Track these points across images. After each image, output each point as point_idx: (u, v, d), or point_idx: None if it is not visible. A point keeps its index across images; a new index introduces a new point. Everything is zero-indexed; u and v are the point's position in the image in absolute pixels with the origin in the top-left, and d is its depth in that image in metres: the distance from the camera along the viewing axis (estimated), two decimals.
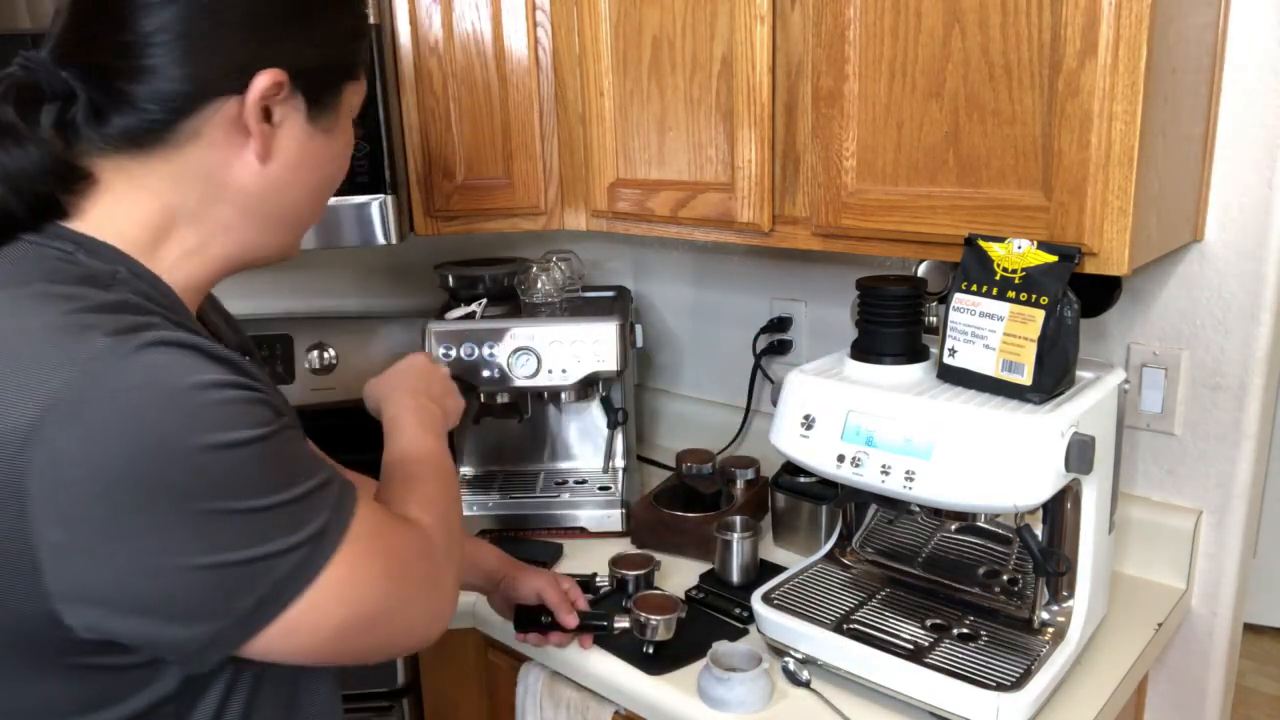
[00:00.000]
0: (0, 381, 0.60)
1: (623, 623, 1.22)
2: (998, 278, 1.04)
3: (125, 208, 0.71)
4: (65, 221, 0.70)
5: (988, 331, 1.05)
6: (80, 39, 0.69)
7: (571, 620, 1.23)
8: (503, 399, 1.59)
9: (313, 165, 0.78)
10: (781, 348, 1.77)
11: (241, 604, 0.64)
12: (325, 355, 1.79)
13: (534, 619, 1.24)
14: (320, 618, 0.67)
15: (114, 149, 0.70)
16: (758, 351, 1.78)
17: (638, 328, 1.65)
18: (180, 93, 0.69)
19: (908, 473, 1.03)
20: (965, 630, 1.15)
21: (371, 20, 1.39)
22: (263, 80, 0.70)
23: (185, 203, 0.73)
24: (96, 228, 0.70)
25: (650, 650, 1.21)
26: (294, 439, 0.69)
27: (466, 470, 1.73)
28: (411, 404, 1.00)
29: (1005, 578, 1.19)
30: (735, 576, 1.39)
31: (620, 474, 1.67)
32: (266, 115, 0.72)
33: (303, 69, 0.73)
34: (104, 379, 0.60)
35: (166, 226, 0.73)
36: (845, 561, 1.32)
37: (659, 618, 1.19)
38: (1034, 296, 1.02)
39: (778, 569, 1.32)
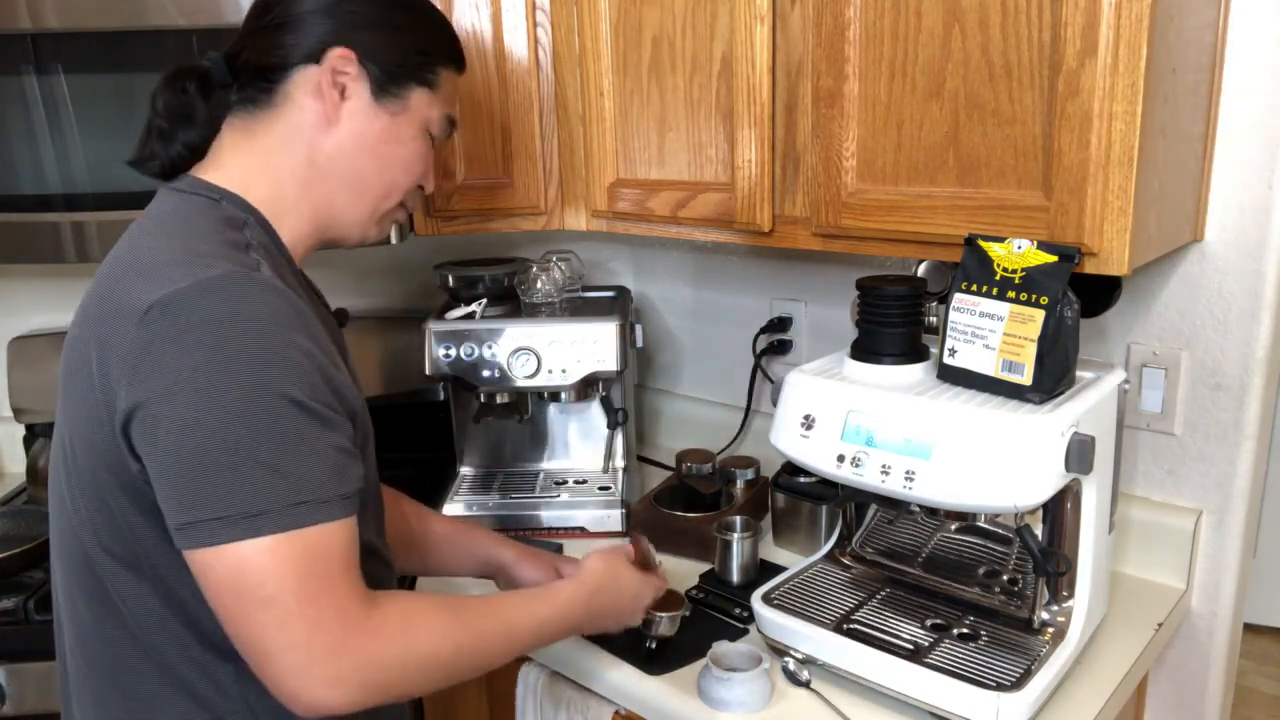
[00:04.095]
0: (148, 276, 0.80)
1: None
2: (998, 278, 1.04)
3: (246, 159, 0.92)
4: (202, 170, 0.93)
5: (988, 331, 1.05)
6: (240, 46, 0.94)
7: None
8: (503, 399, 1.59)
9: (376, 139, 0.95)
10: (781, 348, 1.77)
11: (183, 518, 0.77)
12: None
13: None
14: (217, 578, 0.78)
15: (238, 109, 0.94)
16: (758, 351, 1.78)
17: (638, 328, 1.65)
18: (273, 64, 0.92)
19: (908, 473, 1.03)
20: (965, 630, 1.15)
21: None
22: (335, 53, 0.91)
23: (287, 162, 0.93)
24: (228, 180, 0.91)
25: (653, 646, 1.21)
26: (313, 429, 0.80)
27: (466, 470, 1.73)
28: (589, 604, 1.06)
29: (1005, 578, 1.19)
30: (735, 576, 1.39)
31: (620, 474, 1.67)
32: (343, 90, 0.92)
33: (372, 55, 0.93)
34: (210, 294, 0.78)
35: (275, 182, 0.93)
36: (845, 561, 1.32)
37: (664, 614, 1.18)
38: (1034, 296, 1.02)
39: (778, 569, 1.32)
